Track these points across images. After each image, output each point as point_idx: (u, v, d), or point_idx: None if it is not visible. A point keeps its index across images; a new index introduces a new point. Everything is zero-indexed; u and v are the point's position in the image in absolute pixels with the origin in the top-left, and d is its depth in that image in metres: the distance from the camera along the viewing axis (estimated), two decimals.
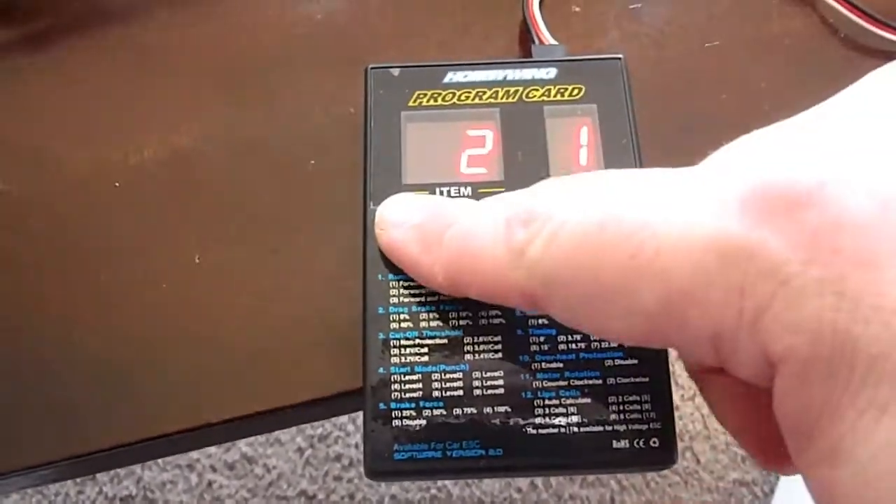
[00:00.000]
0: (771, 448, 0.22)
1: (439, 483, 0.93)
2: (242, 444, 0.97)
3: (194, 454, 0.97)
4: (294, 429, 0.96)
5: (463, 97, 0.30)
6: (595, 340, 0.26)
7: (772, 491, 0.99)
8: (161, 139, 0.32)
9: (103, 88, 0.34)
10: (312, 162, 0.32)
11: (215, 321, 0.29)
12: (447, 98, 0.30)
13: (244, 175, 0.32)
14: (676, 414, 1.00)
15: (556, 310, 0.22)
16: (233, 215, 0.31)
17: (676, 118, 0.32)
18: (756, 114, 0.32)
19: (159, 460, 0.96)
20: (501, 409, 0.25)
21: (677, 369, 1.04)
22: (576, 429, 0.25)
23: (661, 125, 0.32)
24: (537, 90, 0.30)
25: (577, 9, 0.34)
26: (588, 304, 0.21)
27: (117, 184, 0.32)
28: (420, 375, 0.26)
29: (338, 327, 0.28)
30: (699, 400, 1.04)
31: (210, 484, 0.96)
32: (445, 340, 0.26)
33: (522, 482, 0.95)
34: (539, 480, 0.96)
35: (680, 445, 1.02)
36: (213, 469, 0.96)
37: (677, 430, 1.00)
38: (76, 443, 0.28)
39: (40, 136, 0.33)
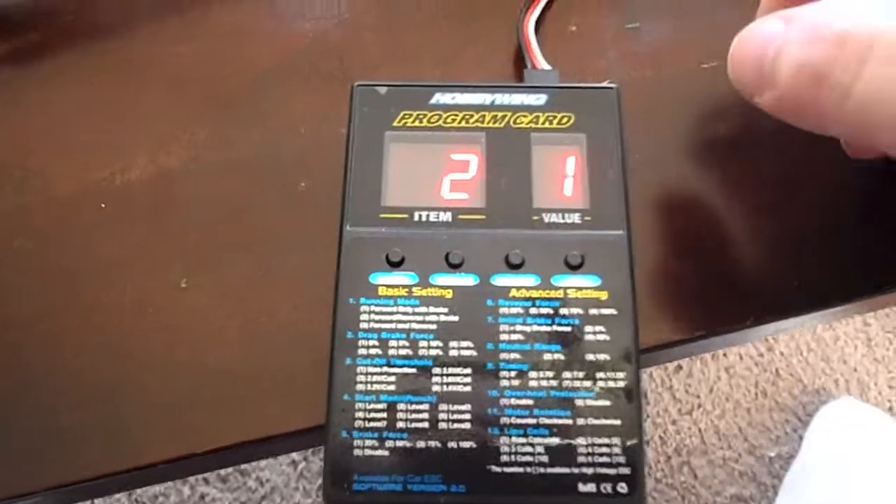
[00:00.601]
0: None
1: None
2: None
3: None
4: None
5: (449, 119, 0.29)
6: (567, 378, 0.25)
7: None
8: (148, 159, 0.32)
9: (91, 105, 0.33)
10: (303, 183, 0.31)
11: (202, 347, 0.29)
12: (433, 119, 0.29)
13: (233, 196, 0.31)
14: (673, 428, 1.00)
15: None
16: (220, 238, 0.30)
17: (672, 140, 0.31)
18: (754, 135, 0.31)
19: None
20: (466, 444, 0.25)
21: (674, 383, 1.03)
22: (542, 469, 0.24)
23: (656, 147, 0.31)
24: (526, 116, 0.29)
25: (574, 28, 0.34)
26: None
27: (103, 205, 0.31)
28: (385, 404, 0.25)
29: (327, 352, 0.27)
30: (696, 414, 1.03)
31: (203, 497, 0.95)
32: (414, 370, 0.25)
33: None
34: None
35: (677, 460, 1.01)
36: (206, 482, 0.96)
37: (675, 444, 0.99)
38: (56, 472, 0.27)
39: (25, 154, 0.32)
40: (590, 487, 0.24)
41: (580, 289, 0.26)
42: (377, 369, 0.25)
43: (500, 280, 0.26)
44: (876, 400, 1.05)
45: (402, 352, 0.26)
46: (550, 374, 0.25)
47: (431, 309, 0.26)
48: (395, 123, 0.29)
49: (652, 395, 1.04)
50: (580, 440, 0.25)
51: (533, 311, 0.26)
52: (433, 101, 0.29)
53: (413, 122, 0.29)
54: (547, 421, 0.25)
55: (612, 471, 0.24)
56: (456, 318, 0.26)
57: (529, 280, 0.26)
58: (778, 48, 0.23)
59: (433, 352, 0.26)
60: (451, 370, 0.25)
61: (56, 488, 0.27)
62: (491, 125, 0.29)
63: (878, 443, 0.90)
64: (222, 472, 0.96)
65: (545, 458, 0.24)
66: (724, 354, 1.06)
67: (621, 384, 0.25)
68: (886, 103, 0.21)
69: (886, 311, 1.09)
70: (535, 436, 0.25)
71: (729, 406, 1.04)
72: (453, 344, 0.26)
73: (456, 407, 0.25)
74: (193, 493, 0.95)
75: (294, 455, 0.95)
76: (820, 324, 1.07)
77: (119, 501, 0.95)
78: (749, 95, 0.25)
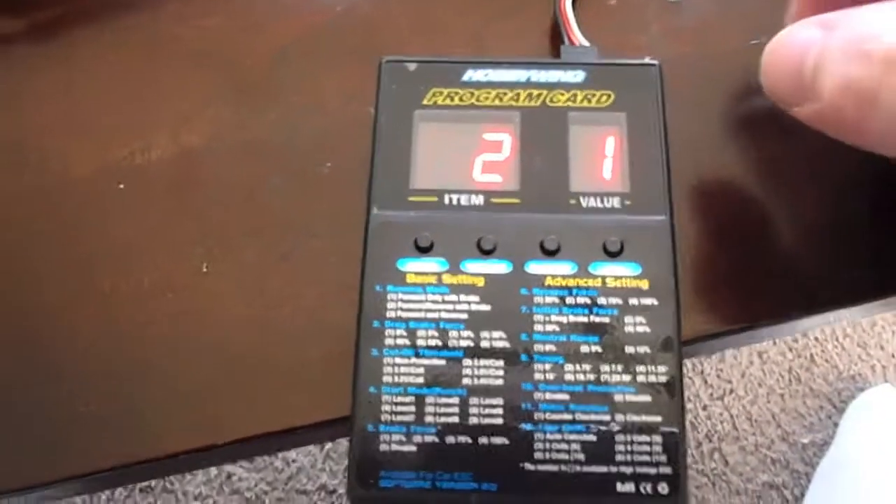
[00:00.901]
0: None
1: None
2: None
3: None
4: None
5: (482, 98, 0.27)
6: (605, 372, 0.24)
7: (802, 495, 0.96)
8: (169, 138, 0.31)
9: (110, 82, 0.32)
10: (328, 165, 0.30)
11: (223, 333, 0.28)
12: (465, 98, 0.27)
13: (256, 177, 0.30)
14: (705, 414, 0.98)
15: None
16: (243, 220, 0.29)
17: (716, 120, 0.29)
18: None
19: None
20: (498, 440, 0.23)
21: (706, 368, 1.01)
22: (578, 467, 0.23)
23: (700, 128, 0.29)
24: (563, 94, 0.27)
25: (614, 2, 0.32)
26: None
27: (121, 185, 0.30)
28: (413, 398, 0.24)
29: (352, 341, 0.25)
30: (728, 399, 1.01)
31: (229, 476, 0.95)
32: (443, 362, 0.24)
33: None
34: None
35: (708, 447, 1.00)
36: (232, 461, 0.96)
37: (706, 430, 0.97)
38: (75, 462, 0.26)
39: (43, 132, 0.31)
40: (628, 487, 0.23)
41: (619, 277, 0.25)
42: (405, 360, 0.24)
43: (535, 267, 0.25)
44: None
45: (431, 342, 0.24)
46: (587, 367, 0.24)
47: (462, 297, 0.25)
48: (424, 101, 0.27)
49: (683, 379, 1.02)
50: (619, 437, 0.23)
51: (569, 300, 0.25)
52: (465, 77, 0.28)
53: (444, 100, 0.27)
54: (583, 416, 0.23)
55: (652, 470, 0.23)
56: (488, 308, 0.25)
57: (566, 267, 0.25)
58: (818, 58, 0.21)
59: (464, 342, 0.24)
60: (482, 362, 0.24)
61: (76, 478, 0.26)
62: (526, 104, 0.27)
63: None
64: None
65: (581, 456, 0.23)
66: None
67: (662, 378, 0.24)
68: None
69: None
70: (570, 432, 0.23)
71: (762, 392, 1.02)
72: (485, 334, 0.24)
73: (487, 401, 0.24)
74: (221, 472, 0.95)
75: None
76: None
77: (147, 480, 0.95)
78: (785, 105, 0.23)
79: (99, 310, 0.28)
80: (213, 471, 0.95)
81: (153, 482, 0.95)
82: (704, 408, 1.01)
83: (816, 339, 1.04)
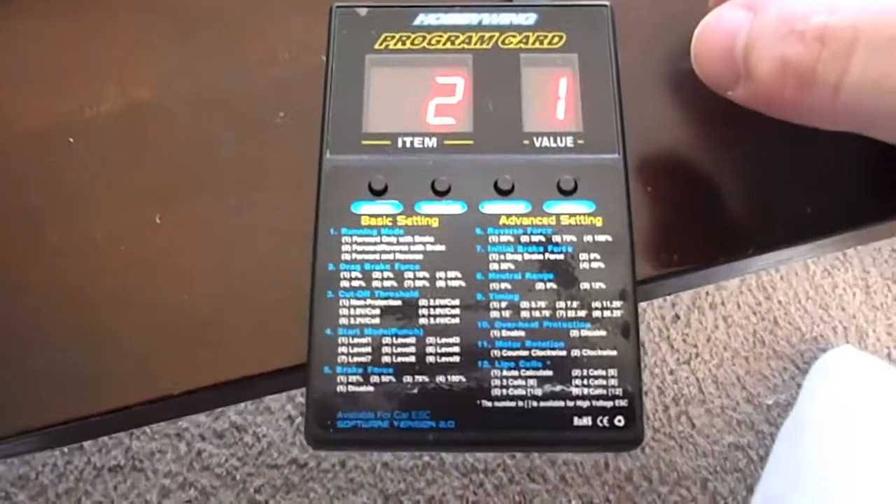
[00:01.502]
0: None
1: None
2: (231, 413, 0.95)
3: (183, 423, 0.96)
4: (284, 396, 0.94)
5: (434, 41, 0.27)
6: (561, 308, 0.24)
7: (767, 455, 0.97)
8: (118, 91, 0.30)
9: (55, 35, 0.31)
10: (282, 114, 0.29)
11: (177, 284, 0.27)
12: (417, 41, 0.27)
13: (207, 129, 0.29)
14: (671, 378, 0.99)
15: None
16: (195, 172, 0.29)
17: (668, 62, 0.30)
18: None
19: (147, 429, 0.95)
20: (456, 378, 0.23)
21: (672, 333, 1.03)
22: (535, 403, 0.23)
23: (652, 69, 0.29)
24: (515, 37, 0.27)
25: None
26: None
27: (71, 139, 0.29)
28: (370, 339, 0.24)
29: (307, 288, 0.25)
30: (694, 363, 1.03)
31: (199, 453, 0.95)
32: (399, 302, 0.24)
33: None
34: None
35: (675, 410, 1.01)
36: (203, 438, 0.95)
37: (672, 394, 0.99)
38: (24, 417, 0.26)
39: None
40: (585, 421, 0.23)
41: (573, 215, 0.25)
42: (360, 302, 0.24)
43: (489, 207, 0.25)
44: (874, 347, 1.05)
45: (387, 283, 0.24)
46: (543, 304, 0.24)
47: (417, 238, 0.25)
48: (376, 46, 0.27)
49: (650, 345, 1.03)
50: (575, 372, 0.23)
51: (524, 238, 0.25)
52: (417, 22, 0.27)
53: (395, 44, 0.27)
54: (540, 353, 0.24)
55: (608, 403, 0.23)
56: (443, 248, 0.25)
57: (520, 207, 0.25)
58: (748, 40, 0.22)
59: (419, 283, 0.24)
60: (438, 302, 0.24)
61: (25, 433, 0.26)
62: (478, 46, 0.27)
63: (877, 391, 0.89)
64: (218, 427, 0.95)
65: (538, 392, 0.23)
66: (722, 303, 1.05)
67: (618, 314, 0.24)
68: (880, 93, 0.19)
69: (885, 257, 1.08)
70: (527, 369, 0.23)
71: (727, 355, 1.03)
72: (440, 275, 0.24)
73: (444, 340, 0.24)
74: (190, 449, 0.95)
75: (290, 410, 0.95)
76: (818, 271, 1.07)
77: (115, 458, 0.94)
78: (718, 88, 0.24)
79: (48, 263, 0.27)
80: (183, 448, 0.95)
81: (122, 460, 0.94)
82: (671, 372, 1.02)
83: (779, 301, 1.05)
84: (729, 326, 1.04)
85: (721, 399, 1.01)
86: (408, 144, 0.26)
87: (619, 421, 0.23)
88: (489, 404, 0.23)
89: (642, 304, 0.87)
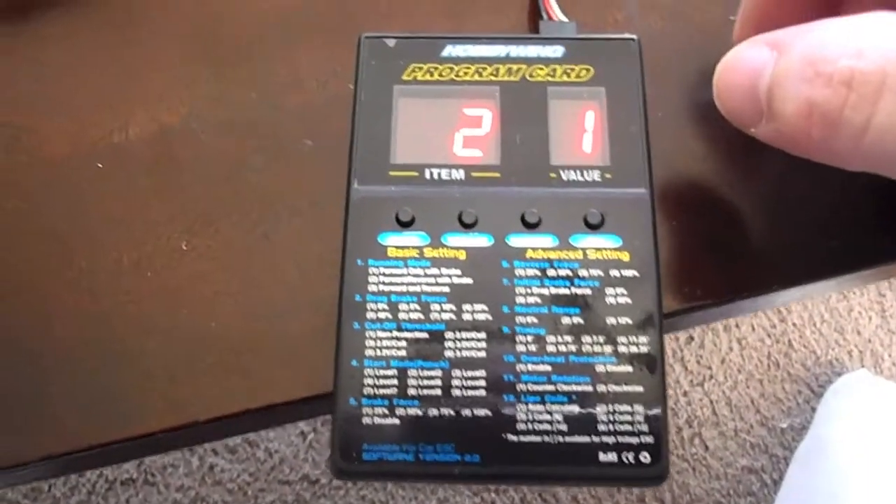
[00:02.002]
0: None
1: None
2: None
3: None
4: None
5: (462, 73, 0.27)
6: (587, 343, 0.24)
7: (780, 478, 0.97)
8: (146, 116, 0.30)
9: (84, 61, 0.31)
10: (309, 142, 0.30)
11: (204, 311, 0.27)
12: (444, 73, 0.27)
13: (235, 155, 0.30)
14: (685, 400, 0.99)
15: None
16: (223, 198, 0.29)
17: (695, 95, 0.30)
18: None
19: None
20: (481, 412, 0.23)
21: (686, 354, 1.02)
22: (560, 438, 0.23)
23: (678, 102, 0.29)
24: (542, 69, 0.27)
25: None
26: None
27: (100, 164, 0.30)
28: (396, 371, 0.24)
29: (334, 316, 0.25)
30: (708, 385, 1.02)
31: (212, 467, 0.95)
32: (425, 335, 0.24)
33: None
34: None
35: (688, 432, 1.00)
36: (215, 452, 0.95)
37: (686, 416, 0.98)
38: (52, 441, 0.26)
39: (16, 111, 0.31)
40: (611, 457, 0.23)
41: (600, 249, 0.25)
42: (387, 334, 0.24)
43: (516, 240, 0.25)
44: (890, 371, 1.04)
45: (413, 315, 0.24)
46: (569, 338, 0.24)
47: (443, 271, 0.25)
48: (404, 77, 0.27)
49: None
50: (600, 408, 0.23)
51: (550, 272, 0.25)
52: (445, 53, 0.28)
53: (423, 75, 0.27)
54: (565, 388, 0.24)
55: (633, 439, 0.23)
56: (469, 281, 0.25)
57: (547, 240, 0.25)
58: (772, 80, 0.22)
59: (445, 315, 0.24)
60: (464, 335, 0.24)
61: (47, 459, 0.26)
62: (505, 78, 0.27)
63: (892, 416, 0.89)
64: (230, 442, 0.95)
65: (564, 427, 0.23)
66: (737, 325, 1.04)
67: (644, 349, 0.24)
68: None
69: None
70: (553, 403, 0.23)
71: (741, 377, 1.03)
72: (467, 307, 0.24)
73: (470, 373, 0.24)
74: (203, 463, 0.95)
75: (303, 426, 0.95)
76: (835, 294, 1.06)
77: (128, 472, 0.95)
78: (741, 125, 0.24)
79: (76, 288, 0.28)
80: (196, 462, 0.95)
81: (135, 474, 0.94)
82: (685, 394, 1.02)
83: (794, 324, 1.05)
84: (743, 349, 1.04)
85: (735, 422, 1.00)
86: (435, 176, 0.26)
87: (645, 457, 0.23)
88: (514, 438, 0.23)
89: None
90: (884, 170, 0.22)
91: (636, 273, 0.25)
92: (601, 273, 0.25)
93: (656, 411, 0.23)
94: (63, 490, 0.93)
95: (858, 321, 1.06)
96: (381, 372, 0.24)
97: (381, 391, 0.24)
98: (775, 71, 0.22)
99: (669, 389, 1.02)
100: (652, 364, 0.24)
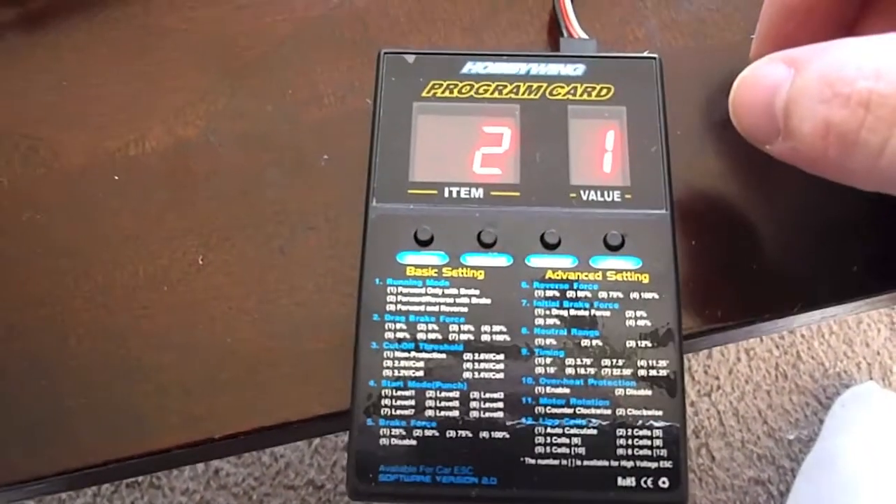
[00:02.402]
0: None
1: None
2: None
3: None
4: None
5: (481, 90, 0.27)
6: (606, 366, 0.24)
7: (787, 490, 0.96)
8: (163, 129, 0.30)
9: (103, 73, 0.31)
10: (326, 157, 0.29)
11: (220, 326, 0.27)
12: (464, 90, 0.27)
13: (252, 169, 0.29)
14: (692, 410, 0.98)
15: None
16: (239, 212, 0.29)
17: (714, 113, 0.29)
18: None
19: None
20: (499, 434, 0.23)
21: (693, 364, 1.02)
22: (579, 462, 0.23)
23: (698, 122, 0.29)
24: (562, 87, 0.27)
25: None
26: None
27: (116, 177, 0.29)
28: (413, 391, 0.24)
29: (351, 334, 0.25)
30: (715, 396, 1.02)
31: (217, 471, 0.95)
32: (443, 355, 0.24)
33: None
34: None
35: (695, 442, 1.00)
36: (228, 456, 0.95)
37: (693, 426, 0.98)
38: (68, 456, 0.26)
39: (33, 123, 0.31)
40: (629, 482, 0.23)
41: (620, 271, 0.25)
42: (405, 354, 0.24)
43: (536, 261, 0.25)
44: None
45: (432, 336, 0.24)
46: (588, 361, 0.24)
47: (462, 291, 0.25)
48: (423, 94, 0.27)
49: None
50: (619, 431, 0.23)
51: (570, 293, 0.24)
52: (464, 70, 0.28)
53: (443, 92, 0.27)
54: (584, 410, 0.23)
55: (652, 464, 0.23)
56: (488, 301, 0.24)
57: (566, 261, 0.25)
58: (789, 98, 0.22)
59: (464, 336, 0.24)
60: (482, 356, 0.24)
61: (62, 474, 0.26)
62: (525, 97, 0.27)
63: None
64: None
65: (582, 451, 0.23)
66: None
67: (663, 372, 0.24)
68: None
69: None
70: (571, 426, 0.23)
71: (748, 388, 1.02)
72: (485, 328, 0.24)
73: (488, 395, 0.24)
74: (208, 467, 0.95)
75: None
76: None
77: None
78: (757, 142, 0.23)
79: (92, 302, 0.28)
80: (201, 466, 0.94)
81: (140, 477, 0.94)
82: (692, 404, 1.01)
83: (803, 336, 1.04)
84: (751, 359, 1.03)
85: (742, 433, 1.00)
86: (454, 194, 0.26)
87: (664, 483, 0.23)
88: (532, 461, 0.23)
89: None
90: None
91: (656, 295, 0.24)
92: (621, 295, 0.24)
93: (675, 435, 0.23)
94: (69, 492, 0.93)
95: (867, 333, 1.05)
96: (399, 392, 0.24)
97: (399, 412, 0.23)
98: (792, 89, 0.22)
99: None
100: (672, 387, 0.24)
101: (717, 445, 1.00)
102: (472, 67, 0.28)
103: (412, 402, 0.24)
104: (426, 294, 0.25)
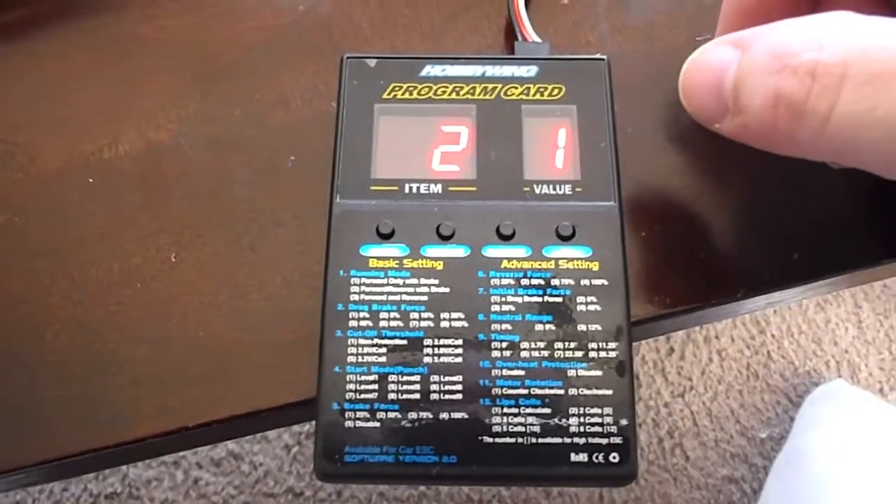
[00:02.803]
0: None
1: None
2: (229, 442, 0.96)
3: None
4: None
5: (440, 91, 0.29)
6: (559, 349, 0.25)
7: (760, 487, 0.98)
8: (136, 133, 0.31)
9: (78, 80, 0.33)
10: (293, 158, 0.31)
11: (192, 321, 0.28)
12: (423, 92, 0.29)
13: (222, 171, 0.31)
14: (666, 411, 1.00)
15: None
16: (210, 212, 0.30)
17: (663, 113, 0.31)
18: None
19: None
20: (458, 415, 0.25)
21: (667, 366, 1.04)
22: (534, 439, 0.24)
23: (648, 120, 0.31)
24: (516, 88, 0.29)
25: (566, 1, 0.33)
26: None
27: (91, 180, 0.31)
28: (376, 376, 0.25)
29: (318, 325, 0.26)
30: (689, 396, 1.03)
31: (196, 481, 0.95)
32: (405, 342, 0.25)
33: None
34: None
35: (669, 443, 1.01)
36: (200, 466, 0.96)
37: (667, 427, 1.00)
38: (46, 447, 0.27)
39: (9, 128, 0.32)
40: (582, 457, 0.24)
41: (571, 260, 0.26)
42: (368, 341, 0.25)
43: (492, 251, 0.26)
44: (867, 381, 1.06)
45: (394, 323, 0.25)
46: (542, 344, 0.25)
47: (422, 280, 0.26)
48: (384, 96, 0.29)
49: (644, 377, 1.04)
50: (572, 410, 0.25)
51: (524, 281, 0.26)
52: (423, 73, 0.29)
53: (403, 94, 0.29)
54: (539, 392, 0.25)
55: (603, 440, 0.24)
56: (447, 290, 0.26)
57: (520, 251, 0.26)
58: (738, 75, 0.23)
59: (424, 323, 0.25)
60: (442, 341, 0.25)
61: (40, 465, 0.27)
62: (481, 97, 0.29)
63: (868, 426, 0.90)
64: (215, 455, 0.95)
65: (537, 429, 0.24)
66: (716, 337, 1.06)
67: (613, 354, 0.25)
68: (867, 124, 0.21)
69: (878, 292, 1.10)
70: (526, 406, 0.25)
71: (721, 388, 1.04)
72: (444, 315, 0.26)
73: (447, 378, 0.25)
74: (187, 477, 0.95)
75: (287, 439, 0.95)
76: (811, 306, 1.08)
77: (112, 486, 0.95)
78: (706, 121, 0.25)
79: (68, 299, 0.29)
80: (180, 476, 0.95)
81: (119, 488, 0.94)
82: (665, 405, 1.03)
83: (773, 335, 1.06)
84: (723, 360, 1.05)
85: (715, 432, 1.02)
86: (414, 190, 0.27)
87: (614, 457, 0.24)
88: (490, 440, 0.24)
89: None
90: (845, 158, 0.23)
91: (605, 282, 0.26)
92: (572, 282, 0.26)
93: (625, 413, 0.25)
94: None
95: (836, 332, 1.07)
96: (363, 378, 0.25)
97: (363, 396, 0.25)
98: (741, 66, 0.23)
99: (650, 400, 1.03)
100: (621, 368, 0.25)
101: (691, 445, 1.02)
102: (430, 70, 0.29)
103: (375, 387, 0.25)
104: (388, 284, 0.26)
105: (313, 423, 0.25)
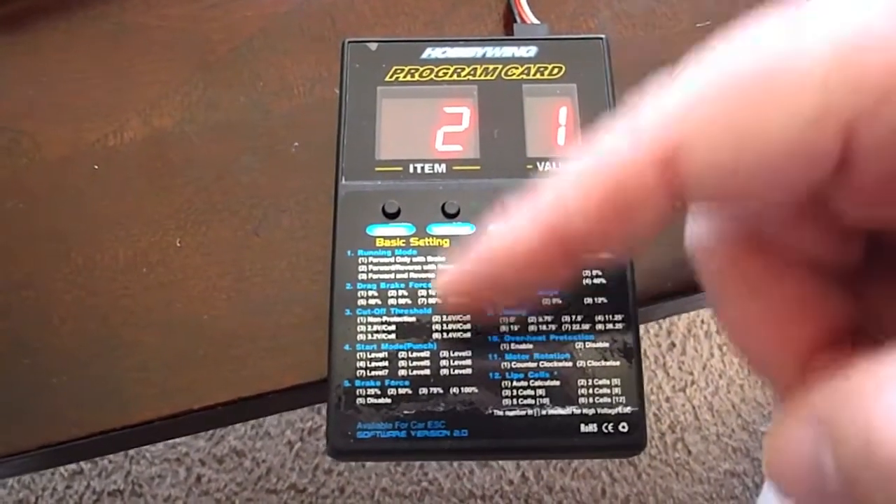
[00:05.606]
0: None
1: (430, 475, 0.92)
2: (231, 438, 0.96)
3: (182, 448, 0.96)
4: (283, 422, 0.95)
5: (441, 73, 0.29)
6: (566, 322, 0.25)
7: (762, 481, 0.98)
8: (141, 120, 0.32)
9: (81, 69, 0.33)
10: (296, 144, 0.31)
11: (197, 305, 0.29)
12: (425, 74, 0.29)
13: (226, 157, 0.31)
14: (667, 405, 1.00)
15: None
16: (214, 198, 0.30)
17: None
18: None
19: (147, 454, 0.95)
20: (468, 389, 0.25)
21: (668, 361, 1.04)
22: (543, 412, 0.24)
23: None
24: (517, 68, 0.29)
25: None
26: None
27: (96, 166, 0.31)
28: (386, 353, 0.25)
29: (322, 309, 0.26)
30: (690, 391, 1.03)
31: (199, 478, 0.95)
32: (413, 319, 0.25)
33: (513, 474, 0.94)
34: (530, 472, 0.95)
35: (671, 437, 1.01)
36: (202, 463, 0.96)
37: (669, 421, 1.00)
38: (51, 430, 0.27)
39: (16, 117, 0.32)
40: (591, 428, 0.24)
41: None
42: (377, 319, 0.25)
43: None
44: None
45: (402, 301, 0.26)
46: (549, 318, 0.25)
47: (429, 258, 0.26)
48: (387, 79, 0.29)
49: (646, 372, 1.04)
50: (581, 382, 0.25)
51: None
52: (424, 55, 0.29)
53: (405, 76, 0.29)
54: (547, 364, 0.25)
55: (613, 410, 0.24)
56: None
57: None
58: (846, 473, 0.17)
59: (432, 300, 0.26)
60: (450, 317, 0.25)
61: (47, 447, 0.27)
62: (482, 78, 0.29)
63: None
64: (218, 452, 0.95)
65: (546, 401, 0.25)
66: (718, 331, 1.06)
67: (619, 325, 0.25)
68: None
69: None
70: (535, 379, 0.25)
71: (722, 383, 1.04)
72: None
73: (456, 353, 0.25)
74: (190, 474, 0.95)
75: (290, 435, 0.95)
76: None
77: (115, 483, 0.95)
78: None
79: (74, 284, 0.29)
80: (183, 472, 0.95)
81: (122, 485, 0.94)
82: (667, 399, 1.03)
83: None
84: (724, 354, 1.05)
85: (717, 426, 1.02)
86: (419, 170, 0.27)
87: (624, 427, 0.24)
88: (500, 413, 0.24)
89: None
90: None
91: (611, 255, 0.26)
92: None
93: (633, 383, 0.25)
94: (51, 502, 0.93)
95: None
96: (373, 355, 0.25)
97: (374, 373, 0.25)
98: (844, 462, 0.15)
99: (652, 395, 1.03)
100: (627, 339, 0.25)
101: (693, 440, 1.02)
102: (431, 52, 0.29)
103: (386, 364, 0.25)
104: (395, 263, 0.26)
105: (315, 419, 0.25)
